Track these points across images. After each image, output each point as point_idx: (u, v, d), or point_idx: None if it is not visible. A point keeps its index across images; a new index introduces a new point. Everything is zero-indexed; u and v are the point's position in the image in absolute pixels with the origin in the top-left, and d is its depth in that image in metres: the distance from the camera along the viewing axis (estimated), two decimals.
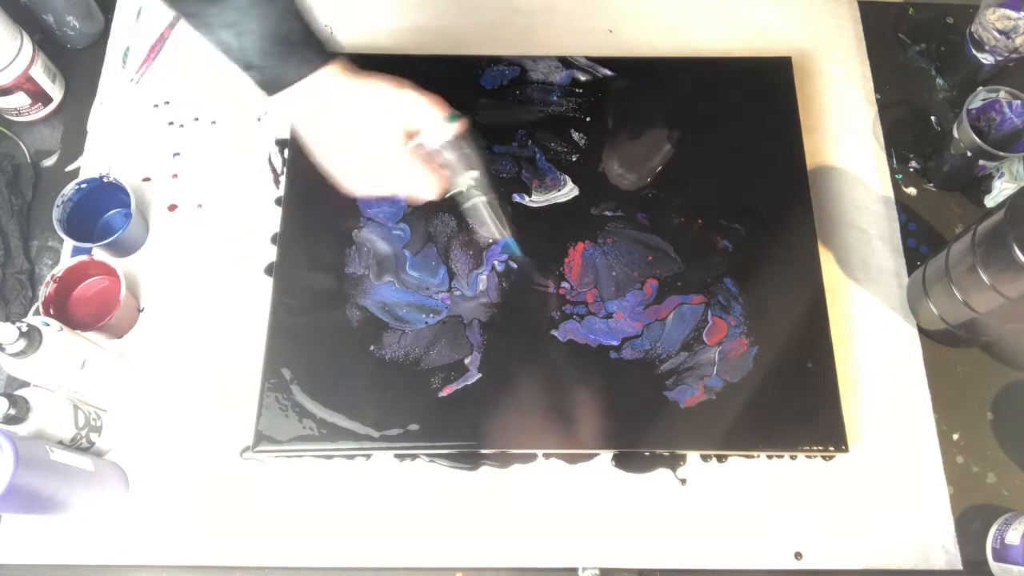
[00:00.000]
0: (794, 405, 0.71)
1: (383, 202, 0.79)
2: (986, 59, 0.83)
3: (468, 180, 0.67)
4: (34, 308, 0.77)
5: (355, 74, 0.61)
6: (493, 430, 0.71)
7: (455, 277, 0.76)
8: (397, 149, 0.62)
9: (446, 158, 0.64)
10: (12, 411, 0.60)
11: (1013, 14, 0.81)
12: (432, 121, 0.62)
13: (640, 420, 0.71)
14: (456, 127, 0.63)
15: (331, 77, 0.60)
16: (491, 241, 0.75)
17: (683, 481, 0.72)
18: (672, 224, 0.78)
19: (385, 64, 0.84)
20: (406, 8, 0.91)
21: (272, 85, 0.60)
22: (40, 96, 0.84)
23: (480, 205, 0.70)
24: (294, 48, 0.58)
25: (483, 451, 0.72)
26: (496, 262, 0.76)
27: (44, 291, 0.72)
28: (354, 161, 0.63)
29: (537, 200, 0.79)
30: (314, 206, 0.78)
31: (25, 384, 0.70)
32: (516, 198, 0.79)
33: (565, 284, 0.75)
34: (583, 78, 0.84)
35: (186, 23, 0.59)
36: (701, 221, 0.78)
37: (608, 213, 0.78)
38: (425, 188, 0.64)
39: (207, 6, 0.55)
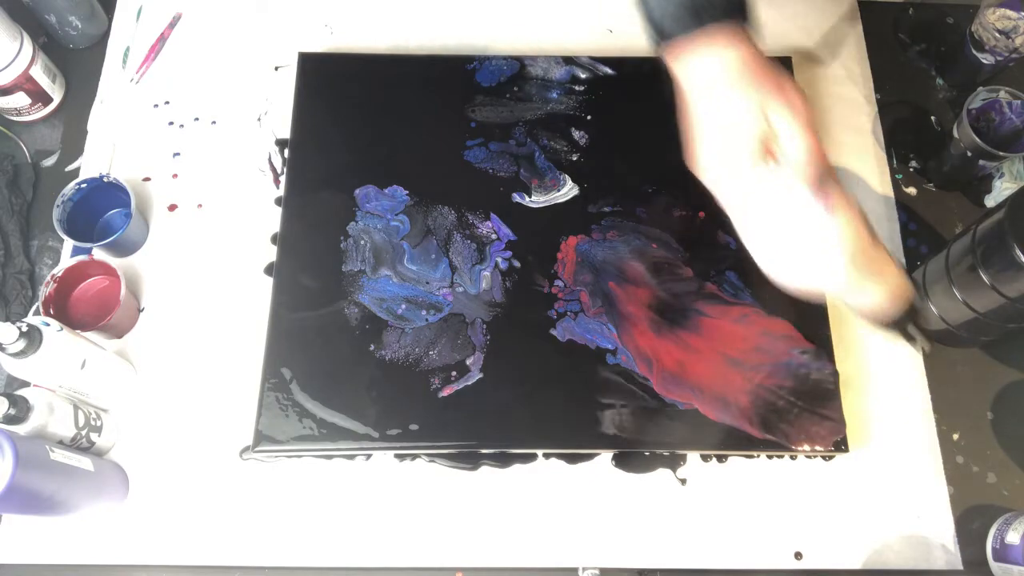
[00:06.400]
0: (794, 405, 0.71)
1: (382, 197, 0.79)
2: (986, 59, 0.83)
3: None
4: (34, 308, 0.77)
5: (749, 51, 0.54)
6: (493, 430, 0.71)
7: (457, 271, 0.76)
8: (744, 154, 0.54)
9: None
10: (12, 411, 0.60)
11: (1013, 14, 0.81)
12: (795, 166, 0.53)
13: (640, 420, 0.71)
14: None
15: (729, 42, 0.53)
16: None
17: (683, 481, 0.72)
18: (673, 218, 0.78)
19: (383, 63, 0.85)
20: (405, 8, 0.91)
21: (666, 29, 0.54)
22: (40, 96, 0.84)
23: None
24: (695, 7, 0.52)
25: (483, 451, 0.72)
26: (499, 259, 0.76)
27: (44, 291, 0.72)
28: (708, 141, 0.56)
29: (537, 200, 0.79)
30: (314, 206, 0.78)
31: (25, 384, 0.70)
32: (516, 198, 0.79)
33: (559, 282, 0.75)
34: (583, 75, 0.84)
35: None
36: (703, 214, 0.78)
37: (607, 209, 0.78)
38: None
39: None
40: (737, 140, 0.54)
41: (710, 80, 0.55)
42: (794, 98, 0.55)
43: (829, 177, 0.54)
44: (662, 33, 0.55)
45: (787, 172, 0.53)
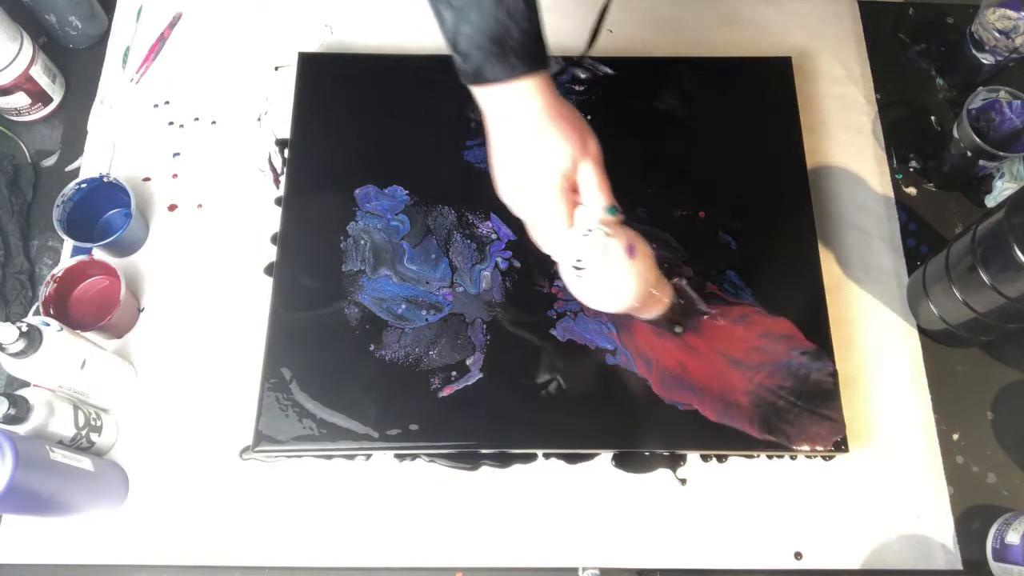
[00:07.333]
0: (794, 405, 0.71)
1: (382, 196, 0.79)
2: (986, 59, 0.83)
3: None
4: (34, 308, 0.77)
5: (552, 98, 0.59)
6: (493, 430, 0.71)
7: (457, 271, 0.76)
8: (552, 189, 0.60)
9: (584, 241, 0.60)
10: (12, 411, 0.60)
11: (1013, 14, 0.81)
12: (592, 200, 0.60)
13: (640, 420, 0.71)
14: (611, 220, 0.60)
15: (525, 92, 0.58)
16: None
17: (683, 481, 0.72)
18: (673, 217, 0.78)
19: (383, 63, 0.85)
20: (405, 8, 0.91)
21: (469, 75, 0.58)
22: (40, 96, 0.84)
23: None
24: (504, 51, 0.56)
25: (483, 451, 0.72)
26: (499, 259, 0.76)
27: (44, 291, 0.72)
28: (513, 177, 0.62)
29: None
30: (314, 206, 0.78)
31: (25, 384, 0.70)
32: None
33: (559, 282, 0.75)
34: (583, 75, 0.84)
35: None
36: (703, 214, 0.78)
37: None
38: (550, 238, 0.62)
39: None
40: (542, 179, 0.60)
41: (519, 123, 0.59)
42: (594, 151, 0.61)
43: (623, 226, 0.61)
44: (477, 77, 0.58)
45: (590, 221, 0.60)
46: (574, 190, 0.61)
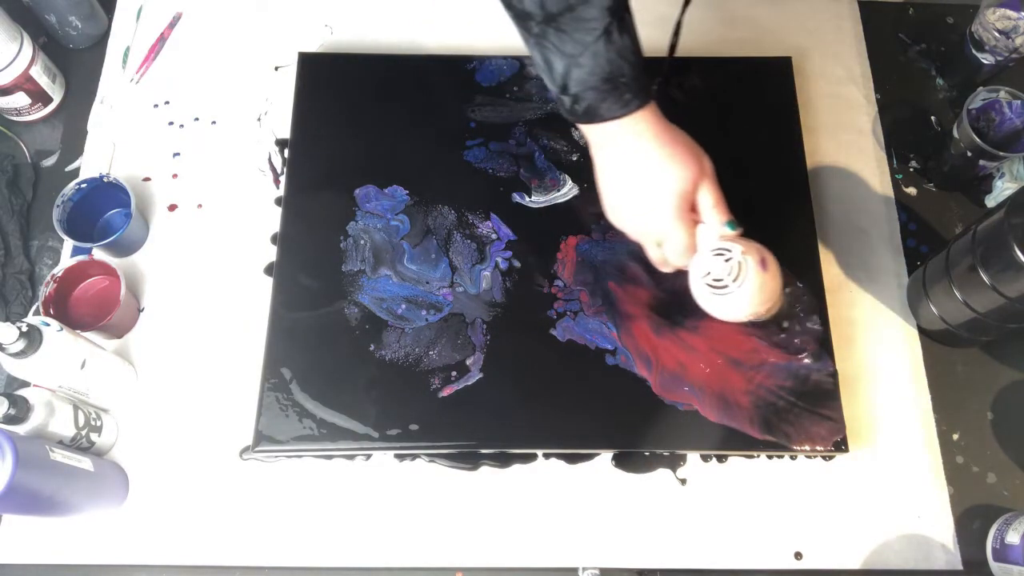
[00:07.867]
0: (794, 405, 0.71)
1: (382, 196, 0.79)
2: (986, 59, 0.83)
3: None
4: (34, 308, 0.77)
5: (663, 124, 0.61)
6: (493, 430, 0.71)
7: (457, 271, 0.76)
8: (675, 212, 0.62)
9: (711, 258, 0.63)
10: (12, 411, 0.60)
11: (1013, 14, 0.81)
12: (711, 217, 0.63)
13: (640, 420, 0.71)
14: (731, 234, 0.63)
15: (638, 123, 0.60)
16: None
17: (683, 481, 0.72)
18: None
19: (383, 63, 0.85)
20: (405, 8, 0.91)
21: (581, 114, 0.60)
22: (40, 96, 0.84)
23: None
24: (617, 89, 0.58)
25: (483, 451, 0.72)
26: (499, 259, 0.76)
27: (44, 291, 0.72)
28: (633, 204, 0.64)
29: (537, 201, 0.79)
30: (314, 206, 0.78)
31: (25, 384, 0.70)
32: (516, 198, 0.79)
33: (559, 282, 0.75)
34: None
35: (522, 38, 0.58)
36: None
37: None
38: (673, 258, 0.65)
39: (552, 32, 0.56)
40: (665, 205, 0.62)
41: (635, 153, 0.61)
42: (709, 170, 0.63)
43: (749, 240, 0.64)
44: (590, 116, 0.59)
45: (716, 240, 0.63)
46: (692, 209, 0.63)
